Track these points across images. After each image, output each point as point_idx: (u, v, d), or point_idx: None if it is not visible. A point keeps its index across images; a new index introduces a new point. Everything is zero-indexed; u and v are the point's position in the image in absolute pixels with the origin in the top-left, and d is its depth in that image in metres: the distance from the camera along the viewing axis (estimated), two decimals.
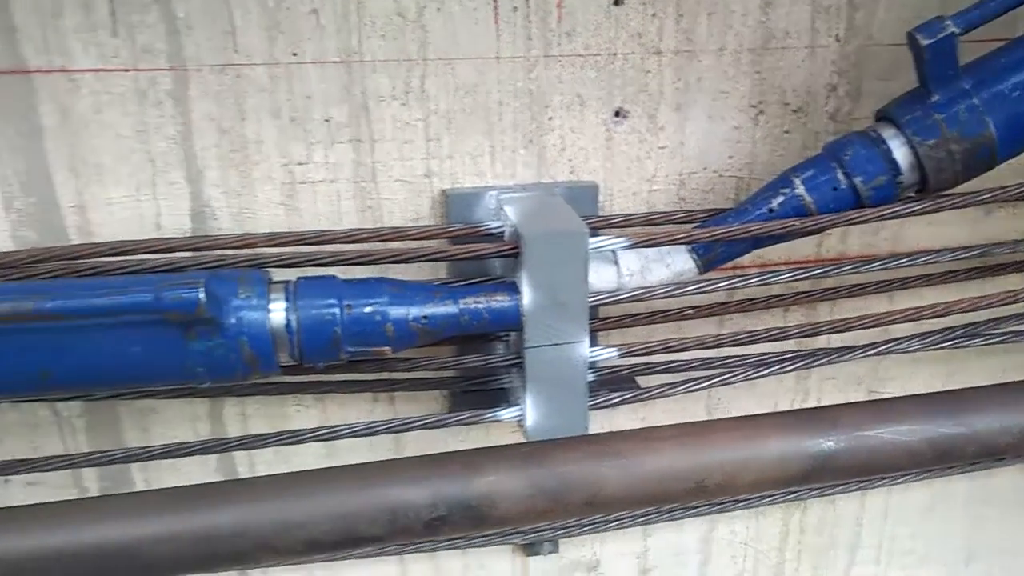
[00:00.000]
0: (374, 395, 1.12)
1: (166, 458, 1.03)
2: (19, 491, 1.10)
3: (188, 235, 0.96)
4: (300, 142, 0.94)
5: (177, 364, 0.82)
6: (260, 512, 0.53)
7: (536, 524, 0.63)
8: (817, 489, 1.19)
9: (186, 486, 0.53)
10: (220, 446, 0.99)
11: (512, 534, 1.21)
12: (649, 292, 0.93)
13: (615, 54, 0.95)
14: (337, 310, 0.86)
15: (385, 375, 1.06)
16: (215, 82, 0.89)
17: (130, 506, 0.52)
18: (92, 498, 0.51)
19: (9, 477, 1.08)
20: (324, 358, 0.88)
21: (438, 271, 1.04)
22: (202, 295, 0.76)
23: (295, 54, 0.89)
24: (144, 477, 1.11)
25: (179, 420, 1.07)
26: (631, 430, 0.60)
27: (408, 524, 0.55)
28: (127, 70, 0.87)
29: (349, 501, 0.54)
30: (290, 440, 0.99)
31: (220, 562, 0.53)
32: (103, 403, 1.04)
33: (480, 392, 1.10)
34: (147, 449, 0.98)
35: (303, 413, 1.11)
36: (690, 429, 0.60)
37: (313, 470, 0.56)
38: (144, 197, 0.93)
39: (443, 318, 0.90)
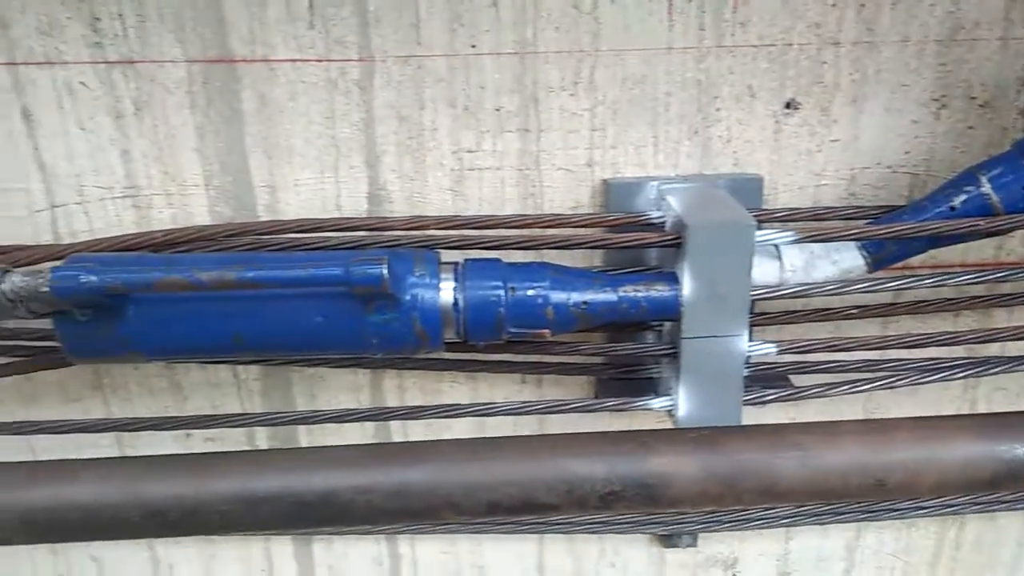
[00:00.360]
0: (523, 376, 1.15)
1: (335, 422, 1.10)
2: (198, 445, 1.21)
3: (364, 216, 1.02)
4: (471, 130, 0.98)
5: (355, 335, 0.88)
6: (449, 472, 0.57)
7: (706, 508, 0.65)
8: (979, 504, 1.13)
9: (382, 444, 0.58)
10: (385, 415, 1.05)
11: (651, 523, 1.22)
12: (814, 288, 0.91)
13: (790, 44, 0.94)
14: (502, 292, 0.89)
15: (535, 358, 1.10)
16: (398, 72, 0.94)
17: (333, 458, 0.57)
18: (300, 448, 0.56)
19: (191, 431, 1.20)
20: (486, 337, 0.92)
21: (592, 258, 1.06)
22: (386, 271, 0.81)
23: (473, 46, 0.93)
24: (309, 440, 1.19)
25: (343, 389, 1.15)
26: (810, 423, 0.60)
27: (583, 496, 0.57)
28: (320, 60, 0.93)
29: (530, 469, 0.57)
30: (448, 414, 1.04)
31: (410, 516, 0.57)
32: (278, 369, 1.13)
33: (625, 380, 1.11)
34: (318, 413, 1.06)
35: (455, 389, 1.16)
36: (873, 425, 0.59)
37: (497, 438, 0.59)
38: (327, 179, 1.00)
39: (602, 304, 0.92)
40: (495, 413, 1.04)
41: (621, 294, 0.91)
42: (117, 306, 0.85)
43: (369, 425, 1.17)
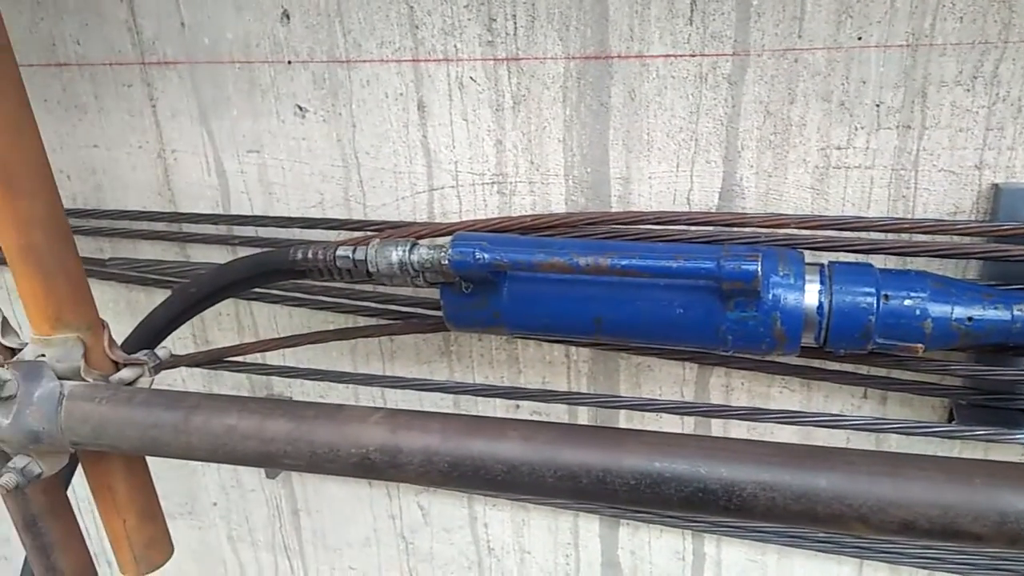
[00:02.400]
0: (865, 391, 1.08)
1: (664, 412, 1.12)
2: (524, 416, 1.29)
3: (714, 211, 1.02)
4: (843, 126, 0.93)
5: (711, 330, 0.89)
6: (860, 484, 0.55)
7: None
8: None
9: (789, 444, 0.57)
10: (717, 412, 1.05)
11: (1004, 569, 1.09)
12: None
13: None
14: (873, 299, 0.84)
15: (883, 372, 1.03)
16: (772, 66, 0.92)
17: (740, 450, 0.57)
18: (708, 436, 0.57)
19: (521, 402, 1.28)
20: (849, 346, 0.87)
21: (964, 271, 0.97)
22: (759, 268, 0.80)
23: (859, 38, 0.88)
24: (628, 426, 1.22)
25: (668, 381, 1.16)
26: None
27: (1018, 531, 0.52)
28: (693, 55, 0.94)
29: (956, 493, 0.53)
30: (784, 420, 1.01)
31: (813, 521, 0.56)
32: (607, 353, 1.17)
33: (988, 408, 1.00)
34: (652, 402, 1.08)
35: (785, 395, 1.12)
36: None
37: (916, 455, 0.56)
38: (681, 173, 1.01)
39: (991, 323, 0.83)
40: (837, 426, 1.00)
41: (1016, 313, 0.82)
42: (495, 282, 0.92)
43: (689, 420, 1.18)
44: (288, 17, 1.08)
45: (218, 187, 1.24)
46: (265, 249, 1.06)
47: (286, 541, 1.57)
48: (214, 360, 1.16)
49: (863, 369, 1.03)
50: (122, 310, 1.41)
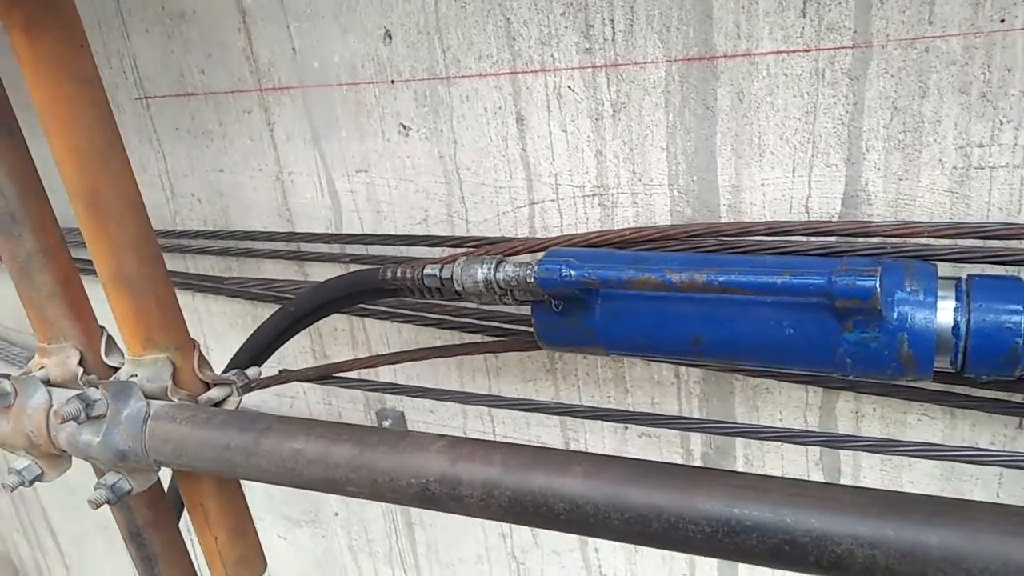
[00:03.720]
0: (1021, 421, 0.94)
1: (780, 441, 1.03)
2: (633, 439, 1.22)
3: (836, 219, 0.92)
4: (986, 121, 0.82)
5: (826, 352, 0.80)
6: (981, 543, 0.46)
7: None
8: None
9: (895, 492, 0.49)
10: (841, 442, 0.95)
11: None
12: None
13: None
14: (1021, 318, 0.73)
15: None
16: (899, 58, 0.82)
17: (835, 499, 0.50)
18: (798, 481, 0.50)
19: (629, 426, 1.22)
20: (992, 371, 0.76)
21: None
22: (878, 284, 0.71)
23: (1002, 20, 0.77)
24: (746, 453, 1.13)
25: (790, 405, 1.06)
26: None
27: None
28: (808, 50, 0.86)
29: None
30: (919, 453, 0.90)
31: None
32: (721, 374, 1.09)
33: None
34: (765, 429, 1.00)
35: (925, 424, 0.99)
36: None
37: None
38: (798, 179, 0.92)
39: None
40: (984, 461, 0.88)
41: None
42: (587, 300, 0.88)
43: (813, 450, 1.07)
44: (390, 36, 1.09)
45: (331, 207, 1.27)
46: (361, 268, 1.07)
47: (402, 554, 1.59)
48: (324, 376, 1.19)
49: (1016, 396, 0.90)
50: (249, 324, 1.47)
